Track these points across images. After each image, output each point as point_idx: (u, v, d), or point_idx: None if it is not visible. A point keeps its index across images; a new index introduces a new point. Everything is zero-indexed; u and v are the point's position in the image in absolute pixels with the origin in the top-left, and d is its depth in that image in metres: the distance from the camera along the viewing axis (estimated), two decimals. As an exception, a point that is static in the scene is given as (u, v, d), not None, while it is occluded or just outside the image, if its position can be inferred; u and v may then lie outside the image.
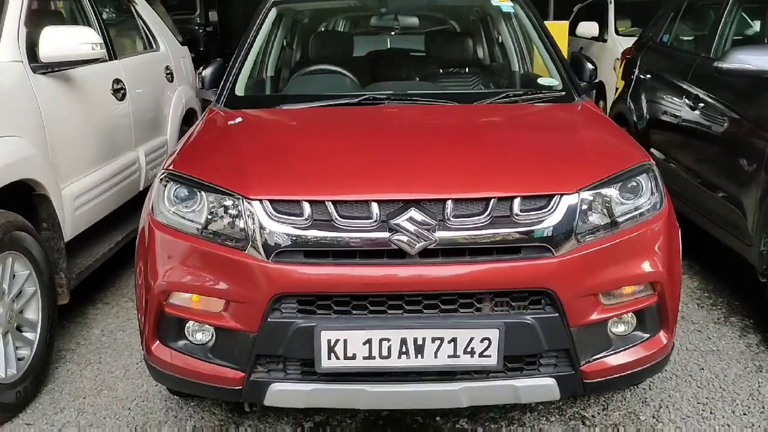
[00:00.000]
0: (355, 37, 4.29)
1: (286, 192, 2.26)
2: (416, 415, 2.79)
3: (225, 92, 3.23)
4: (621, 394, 2.96)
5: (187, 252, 2.33)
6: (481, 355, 2.23)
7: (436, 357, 2.23)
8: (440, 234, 2.19)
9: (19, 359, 2.98)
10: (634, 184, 2.42)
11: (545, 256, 2.23)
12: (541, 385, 2.32)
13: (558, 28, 8.39)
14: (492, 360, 2.23)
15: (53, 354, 3.25)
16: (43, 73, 3.36)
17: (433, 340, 2.21)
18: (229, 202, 2.28)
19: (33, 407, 2.97)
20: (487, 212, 2.21)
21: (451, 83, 3.72)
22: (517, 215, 2.22)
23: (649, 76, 5.28)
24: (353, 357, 2.22)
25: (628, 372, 2.42)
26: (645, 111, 5.15)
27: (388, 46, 4.38)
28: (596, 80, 3.48)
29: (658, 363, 2.48)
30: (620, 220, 2.35)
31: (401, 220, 2.17)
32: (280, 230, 2.21)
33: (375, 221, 2.20)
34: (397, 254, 2.20)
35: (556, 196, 2.25)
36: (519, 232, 2.21)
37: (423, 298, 2.23)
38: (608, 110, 6.28)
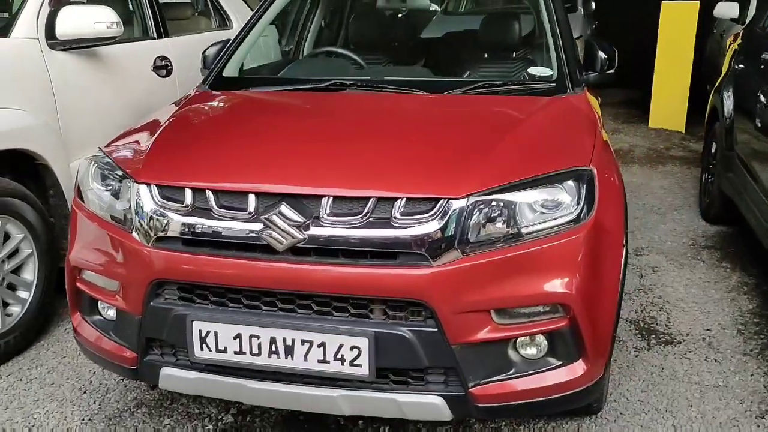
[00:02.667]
0: (370, 20, 4.14)
1: (171, 178, 2.25)
2: (338, 416, 2.70)
3: (212, 73, 3.26)
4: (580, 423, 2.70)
5: (93, 231, 2.39)
6: (351, 363, 2.10)
7: (306, 360, 2.13)
8: (314, 232, 2.08)
9: (8, 315, 3.22)
10: (554, 191, 2.15)
11: (422, 265, 2.04)
12: (427, 403, 2.15)
13: (686, 9, 7.66)
14: (363, 370, 2.10)
15: (54, 315, 3.48)
16: (63, 50, 3.56)
17: (303, 342, 2.12)
18: (125, 185, 2.31)
19: (16, 360, 3.20)
20: (365, 213, 2.07)
21: (455, 70, 3.49)
22: (397, 218, 2.05)
23: (742, 66, 4.68)
24: (224, 351, 2.18)
25: (534, 400, 2.18)
26: (731, 107, 4.57)
27: (403, 30, 4.17)
28: (611, 70, 3.13)
29: (572, 395, 2.20)
30: (526, 231, 2.10)
31: (271, 215, 2.09)
32: (161, 216, 2.20)
33: (250, 214, 2.13)
34: (270, 250, 2.12)
35: (441, 201, 2.05)
36: (397, 237, 2.05)
37: (296, 297, 2.14)
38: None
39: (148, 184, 2.24)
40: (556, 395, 2.18)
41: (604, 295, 2.21)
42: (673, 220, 5.21)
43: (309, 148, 2.35)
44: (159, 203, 2.21)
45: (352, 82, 2.95)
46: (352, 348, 2.08)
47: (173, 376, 2.31)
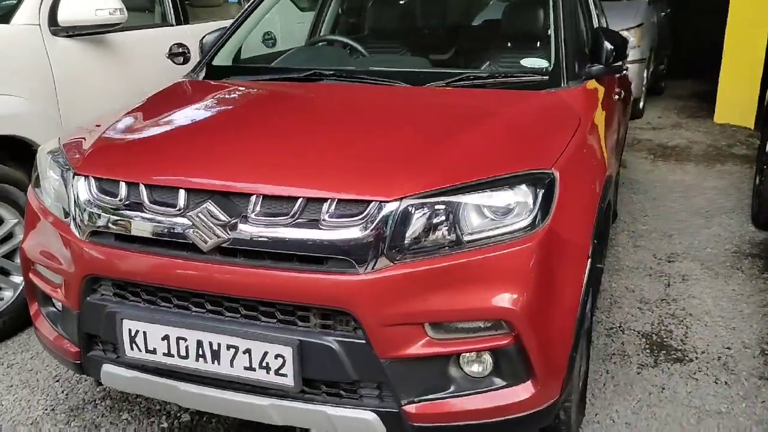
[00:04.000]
0: (380, 7, 3.95)
1: (107, 171, 2.17)
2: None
3: (201, 62, 3.18)
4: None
5: (41, 222, 2.34)
6: (276, 372, 1.98)
7: (232, 366, 2.02)
8: (240, 232, 1.96)
9: (-1, 299, 3.27)
10: (505, 195, 1.95)
11: (349, 272, 1.89)
12: (359, 419, 2.00)
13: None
14: (288, 380, 1.97)
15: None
16: (67, 36, 3.56)
17: (228, 347, 2.01)
18: (68, 176, 2.25)
19: (4, 344, 3.24)
20: (293, 213, 1.93)
21: (455, 61, 3.29)
22: (326, 221, 1.91)
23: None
24: (153, 351, 2.09)
25: (476, 422, 2.00)
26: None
27: (406, 18, 3.95)
28: (618, 63, 2.87)
29: (520, 419, 2.01)
30: (468, 238, 1.91)
31: (197, 212, 1.98)
32: (96, 209, 2.13)
33: (179, 210, 2.03)
34: (198, 249, 2.01)
35: (373, 203, 1.89)
36: (324, 241, 1.90)
37: (224, 300, 2.03)
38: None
39: (86, 177, 2.18)
40: (502, 418, 1.99)
41: (558, 313, 2.00)
42: (720, 225, 4.84)
43: (250, 143, 2.23)
44: (95, 196, 2.14)
45: (331, 73, 2.80)
46: (276, 356, 1.96)
47: (112, 374, 2.24)
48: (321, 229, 1.90)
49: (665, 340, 3.30)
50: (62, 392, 2.85)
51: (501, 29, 3.35)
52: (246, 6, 3.42)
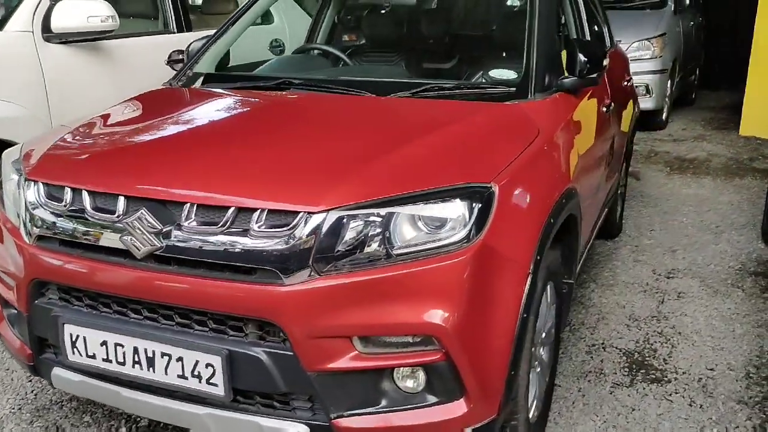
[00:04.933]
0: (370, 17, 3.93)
1: (55, 176, 2.20)
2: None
3: (184, 69, 3.21)
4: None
5: (1, 227, 2.39)
6: (208, 381, 1.98)
7: (166, 374, 2.03)
8: (173, 240, 1.96)
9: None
10: (439, 208, 1.92)
11: (275, 283, 1.88)
12: (290, 431, 1.99)
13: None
14: (219, 390, 1.97)
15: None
16: (61, 43, 3.64)
17: (162, 355, 2.02)
18: (20, 181, 2.29)
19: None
20: (223, 222, 1.93)
21: (429, 70, 3.25)
22: (254, 231, 1.90)
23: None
24: (93, 357, 2.11)
25: (407, 439, 1.97)
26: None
27: (389, 27, 3.89)
28: (593, 75, 2.81)
29: (453, 437, 1.97)
30: (398, 251, 1.89)
31: (132, 219, 2.00)
32: (42, 214, 2.16)
33: (118, 217, 2.04)
34: (133, 256, 2.03)
35: (300, 214, 1.88)
36: (251, 251, 1.90)
37: (160, 307, 2.04)
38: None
39: (35, 182, 2.21)
40: (434, 436, 1.96)
41: (493, 331, 1.95)
42: (728, 241, 4.70)
43: (192, 151, 2.24)
44: (42, 201, 2.18)
45: (299, 82, 2.80)
46: (207, 365, 1.96)
47: (62, 377, 2.27)
48: (250, 239, 1.90)
49: (647, 359, 3.21)
50: (32, 392, 2.90)
51: (480, 40, 3.31)
52: (231, 16, 3.44)
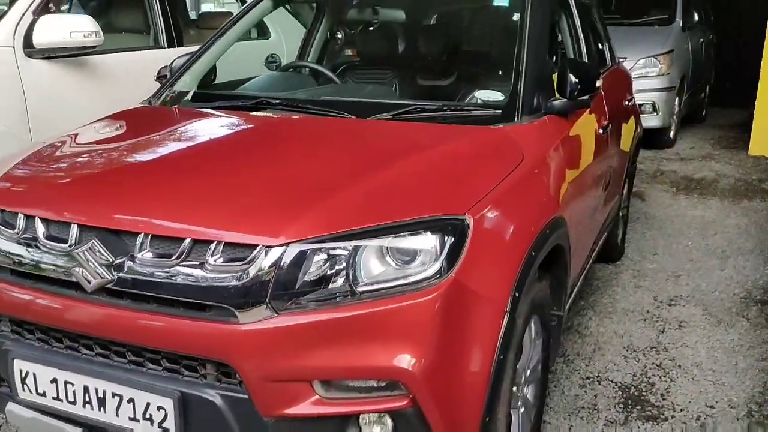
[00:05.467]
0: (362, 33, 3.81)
1: (8, 201, 2.09)
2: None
3: (164, 87, 3.11)
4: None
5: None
6: (159, 425, 1.85)
7: (117, 415, 1.90)
8: (126, 273, 1.84)
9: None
10: (408, 242, 1.79)
11: (230, 321, 1.75)
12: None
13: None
14: (171, 436, 1.84)
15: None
16: (43, 59, 3.55)
17: (113, 395, 1.89)
18: None
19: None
20: (178, 255, 1.81)
21: (415, 91, 3.13)
22: (210, 264, 1.78)
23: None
24: (44, 394, 1.99)
25: (373, 490, 1.83)
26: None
27: (380, 44, 3.76)
28: (584, 97, 2.68)
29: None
30: (362, 288, 1.76)
31: (83, 250, 1.88)
32: None
33: (70, 246, 1.92)
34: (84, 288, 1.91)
35: (258, 247, 1.76)
36: (207, 286, 1.77)
37: (111, 343, 1.92)
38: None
39: None
40: (401, 487, 1.82)
41: (465, 374, 1.82)
42: (734, 267, 4.53)
43: (151, 177, 2.12)
44: None
45: (277, 102, 2.69)
46: (158, 408, 1.84)
47: (14, 413, 2.15)
48: (205, 273, 1.77)
49: (644, 394, 3.05)
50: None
51: (472, 59, 3.19)
52: (216, 32, 3.33)
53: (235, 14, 3.40)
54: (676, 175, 6.70)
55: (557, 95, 2.69)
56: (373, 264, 1.78)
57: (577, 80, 2.62)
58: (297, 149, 2.30)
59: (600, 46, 4.23)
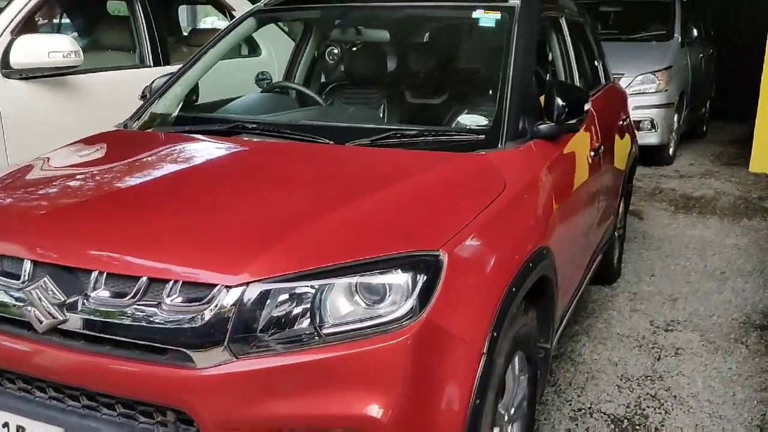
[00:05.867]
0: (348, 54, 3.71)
1: (-38, 235, 1.99)
2: None
3: (141, 108, 3.02)
4: None
5: None
6: (113, 475, 1.74)
7: (70, 464, 1.79)
8: (79, 312, 1.74)
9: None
10: (377, 280, 1.69)
11: (187, 366, 1.65)
12: None
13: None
14: (126, 485, 1.73)
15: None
16: (21, 79, 3.47)
17: (66, 441, 1.78)
18: None
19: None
20: (134, 294, 1.70)
21: (406, 113, 3.04)
22: (167, 305, 1.68)
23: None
24: (-5, 439, 1.89)
25: None
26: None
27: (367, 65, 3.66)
28: (572, 121, 2.58)
29: None
30: (328, 331, 1.65)
31: (34, 287, 1.77)
32: None
33: (23, 284, 1.82)
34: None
35: (217, 287, 1.65)
36: (163, 328, 1.67)
37: (66, 387, 1.81)
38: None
39: None
40: None
41: (438, 422, 1.71)
42: (733, 290, 4.41)
43: (112, 209, 2.01)
44: None
45: (254, 126, 2.59)
46: (114, 457, 1.73)
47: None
48: (161, 313, 1.67)
49: (637, 427, 2.93)
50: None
51: (458, 82, 3.10)
52: (196, 53, 3.25)
53: (216, 33, 3.31)
54: (675, 193, 6.59)
55: (545, 119, 2.59)
56: (341, 304, 1.68)
57: (564, 104, 2.52)
58: (266, 179, 2.20)
59: (594, 64, 4.14)
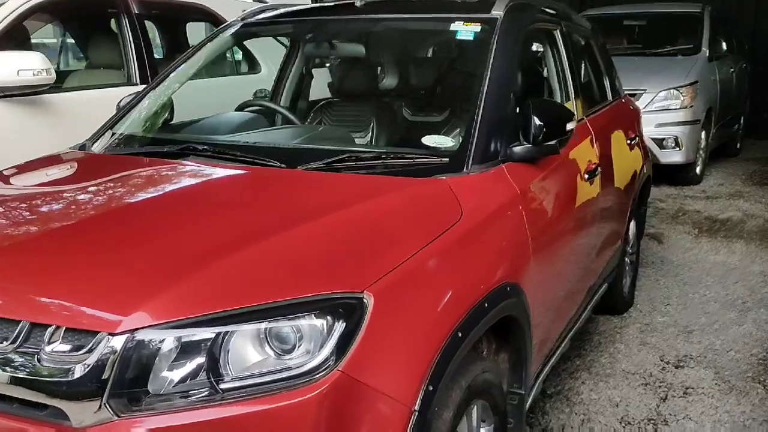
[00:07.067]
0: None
1: None
2: None
3: (102, 128, 2.86)
4: None
5: None
6: None
7: None
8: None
9: None
10: (286, 327, 1.47)
11: (64, 423, 1.45)
12: None
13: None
14: None
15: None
16: (-2, 98, 3.36)
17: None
18: None
19: None
20: (12, 339, 1.51)
21: (386, 131, 2.83)
22: (47, 354, 1.48)
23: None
24: None
25: None
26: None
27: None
28: (551, 142, 2.34)
29: None
30: (227, 386, 1.44)
31: None
32: None
33: None
34: None
35: (100, 335, 1.45)
36: (41, 380, 1.47)
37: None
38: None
39: None
40: None
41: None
42: (754, 321, 4.08)
43: (3, 242, 1.81)
44: None
45: (204, 148, 2.40)
46: None
47: None
48: (40, 363, 1.47)
49: (633, 481, 2.65)
50: None
51: (434, 100, 2.87)
52: (163, 71, 3.09)
53: (186, 51, 3.15)
54: (699, 216, 6.24)
55: (522, 140, 2.35)
56: (247, 354, 1.47)
57: (542, 123, 2.28)
58: (190, 208, 1.99)
59: (599, 79, 3.89)
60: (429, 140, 2.32)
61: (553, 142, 2.33)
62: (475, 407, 1.94)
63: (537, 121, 2.28)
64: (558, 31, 3.17)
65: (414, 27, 2.98)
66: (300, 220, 1.79)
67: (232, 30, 3.20)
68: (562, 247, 2.61)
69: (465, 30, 2.65)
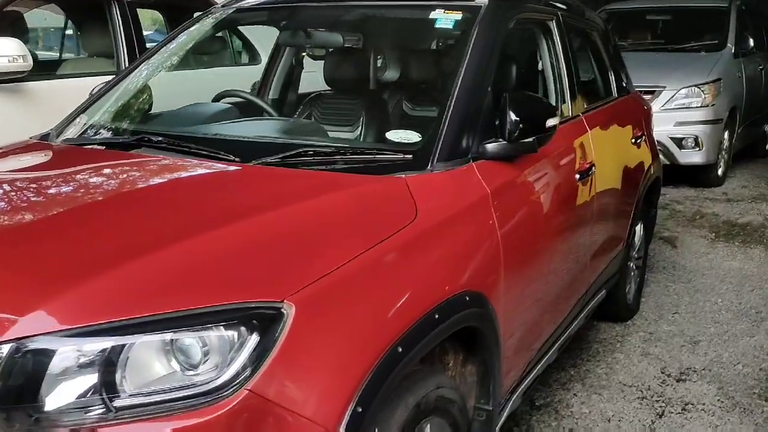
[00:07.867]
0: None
1: None
2: None
3: (68, 117, 2.74)
4: None
5: None
6: None
7: None
8: None
9: None
10: (192, 339, 1.33)
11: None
12: None
13: None
14: None
15: None
16: (-32, 84, 3.27)
17: None
18: None
19: None
20: None
21: (375, 124, 2.68)
22: None
23: None
24: None
25: None
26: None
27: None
28: (528, 139, 2.17)
29: None
30: (125, 402, 1.30)
31: None
32: None
33: None
34: None
35: None
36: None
37: None
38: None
39: None
40: None
41: None
42: (767, 333, 3.85)
43: None
44: None
45: (158, 139, 2.26)
46: None
47: None
48: None
49: (616, 504, 2.46)
50: None
51: (411, 93, 2.71)
52: (137, 61, 2.96)
53: (162, 40, 3.02)
54: (717, 219, 5.97)
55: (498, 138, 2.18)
56: (150, 368, 1.33)
57: (518, 119, 2.11)
58: (118, 205, 1.84)
59: (603, 74, 3.69)
60: (394, 135, 2.16)
61: (530, 139, 2.16)
62: (428, 426, 1.78)
63: (513, 116, 2.11)
64: (554, 21, 2.98)
65: (399, 15, 2.82)
66: (227, 221, 1.64)
67: (211, 18, 3.07)
68: (544, 252, 2.43)
69: (445, 18, 2.49)
